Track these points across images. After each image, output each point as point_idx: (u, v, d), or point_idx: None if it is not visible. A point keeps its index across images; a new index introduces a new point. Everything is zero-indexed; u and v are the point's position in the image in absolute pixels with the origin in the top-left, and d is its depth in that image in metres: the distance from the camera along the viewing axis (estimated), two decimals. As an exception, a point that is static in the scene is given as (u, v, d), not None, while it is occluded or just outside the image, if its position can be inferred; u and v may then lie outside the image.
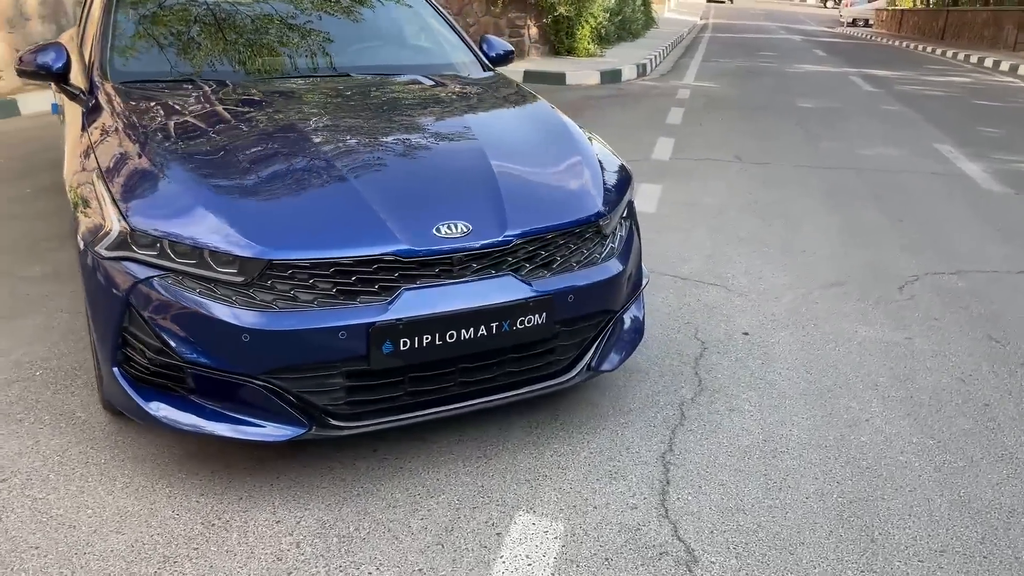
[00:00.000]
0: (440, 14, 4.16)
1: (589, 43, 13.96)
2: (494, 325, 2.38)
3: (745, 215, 5.42)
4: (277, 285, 2.23)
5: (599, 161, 2.94)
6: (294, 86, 3.28)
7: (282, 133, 2.73)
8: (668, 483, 2.55)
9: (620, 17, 16.75)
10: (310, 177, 2.48)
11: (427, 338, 2.30)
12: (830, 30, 30.45)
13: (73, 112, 3.16)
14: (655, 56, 14.69)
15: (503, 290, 2.40)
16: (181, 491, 2.43)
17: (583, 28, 13.75)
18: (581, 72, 11.94)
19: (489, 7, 13.47)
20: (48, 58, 3.18)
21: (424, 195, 2.48)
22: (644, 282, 2.98)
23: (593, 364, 2.70)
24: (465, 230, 2.37)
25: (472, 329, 2.35)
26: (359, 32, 3.81)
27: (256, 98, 3.02)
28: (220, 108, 2.95)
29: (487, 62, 3.92)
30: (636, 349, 2.95)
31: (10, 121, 7.80)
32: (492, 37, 4.10)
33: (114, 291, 2.30)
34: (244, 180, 2.43)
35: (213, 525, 2.30)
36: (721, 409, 2.99)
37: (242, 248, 2.20)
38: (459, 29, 4.13)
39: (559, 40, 13.75)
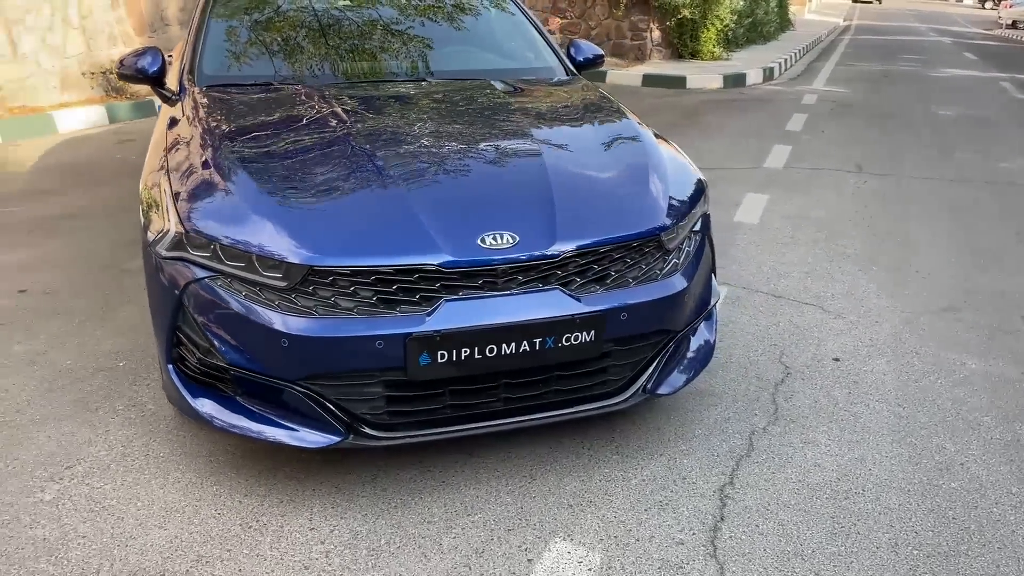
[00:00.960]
0: (526, 16, 4.09)
1: (714, 46, 13.53)
2: (537, 341, 2.28)
3: (856, 230, 5.07)
4: (319, 291, 2.21)
5: (669, 170, 2.78)
6: (368, 91, 3.28)
7: (342, 139, 2.73)
8: (722, 519, 2.38)
9: (751, 19, 16.17)
10: (361, 184, 2.46)
11: (465, 351, 2.23)
12: (986, 32, 28.39)
13: (163, 114, 3.28)
14: (785, 59, 14.09)
15: (549, 305, 2.29)
16: (227, 490, 2.46)
17: (708, 31, 13.34)
18: (703, 76, 11.59)
19: (611, 10, 13.30)
20: (144, 62, 3.31)
21: (472, 204, 2.42)
22: (714, 300, 2.80)
23: (649, 387, 2.55)
24: (511, 241, 2.29)
25: (513, 344, 2.27)
26: (439, 36, 3.78)
27: (325, 102, 3.04)
28: (290, 113, 2.99)
29: (571, 67, 3.81)
30: (706, 373, 2.78)
31: (147, 120, 8.29)
32: (581, 41, 3.98)
33: (170, 290, 2.35)
34: (298, 186, 2.44)
35: (250, 527, 2.31)
36: (795, 441, 2.77)
37: (287, 253, 2.20)
38: (543, 31, 4.04)
39: (682, 43, 13.39)
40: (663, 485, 2.52)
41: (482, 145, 2.79)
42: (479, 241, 2.27)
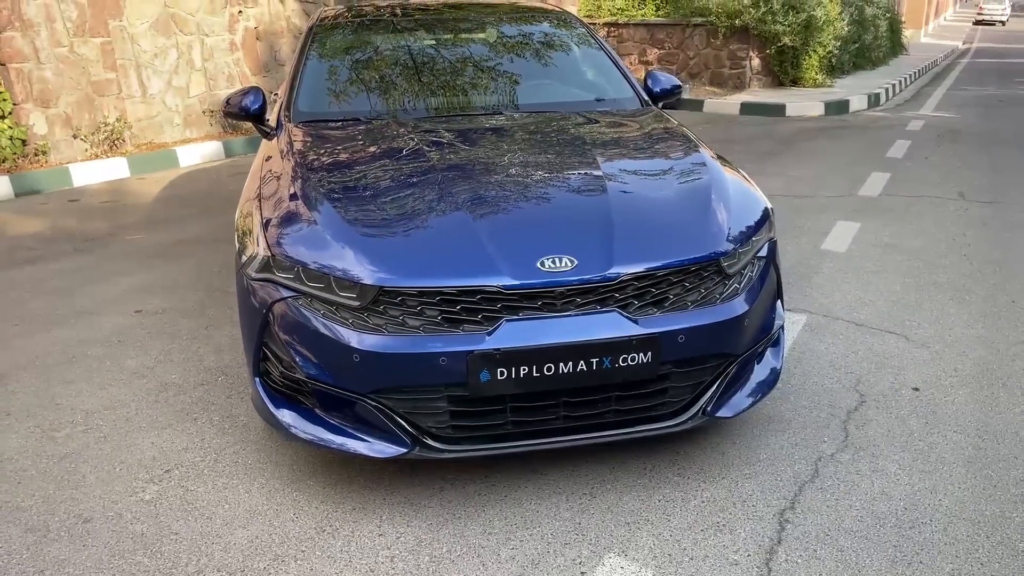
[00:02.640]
0: (604, 49, 4.21)
1: (817, 73, 13.29)
2: (594, 361, 2.37)
3: (950, 258, 4.91)
4: (389, 310, 2.38)
5: (733, 197, 2.83)
6: (451, 125, 3.47)
7: (420, 169, 2.91)
8: (779, 542, 2.39)
9: (857, 44, 15.80)
10: (431, 210, 2.63)
11: (524, 369, 2.34)
12: (1123, 51, 26.67)
13: (262, 148, 3.55)
14: (894, 85, 13.70)
15: (605, 326, 2.38)
16: (305, 496, 2.64)
17: (810, 58, 13.12)
18: (803, 103, 11.40)
19: (710, 40, 13.28)
20: (247, 100, 3.60)
21: (532, 228, 2.54)
22: (777, 324, 2.82)
23: (709, 409, 2.59)
24: (570, 264, 2.39)
25: (571, 363, 2.36)
26: (517, 70, 3.95)
27: (406, 136, 3.24)
28: (374, 147, 3.20)
29: (645, 97, 3.91)
30: (767, 398, 2.79)
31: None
32: (659, 72, 4.07)
33: (258, 309, 2.56)
34: (374, 214, 2.62)
35: (324, 531, 2.48)
36: (863, 469, 2.74)
37: (361, 275, 2.38)
38: (620, 63, 4.15)
39: (783, 71, 13.22)
40: (722, 507, 2.55)
41: (546, 172, 2.92)
42: (539, 264, 2.39)
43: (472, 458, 2.53)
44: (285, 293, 2.49)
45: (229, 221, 5.91)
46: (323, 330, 2.40)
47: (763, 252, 2.77)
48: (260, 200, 2.86)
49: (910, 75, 15.64)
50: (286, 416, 2.56)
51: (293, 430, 2.53)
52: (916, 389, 3.29)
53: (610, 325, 2.39)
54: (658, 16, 14.08)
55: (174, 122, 8.87)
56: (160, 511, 2.59)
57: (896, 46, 19.96)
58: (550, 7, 4.79)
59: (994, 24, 43.64)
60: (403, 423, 2.44)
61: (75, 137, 7.76)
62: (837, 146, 8.81)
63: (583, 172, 2.93)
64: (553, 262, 2.39)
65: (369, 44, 4.08)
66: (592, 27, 4.33)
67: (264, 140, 3.68)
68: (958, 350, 3.65)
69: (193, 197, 6.89)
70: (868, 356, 3.59)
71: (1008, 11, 45.46)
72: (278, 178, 2.99)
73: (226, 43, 9.37)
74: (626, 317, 2.41)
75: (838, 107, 11.53)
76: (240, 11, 9.46)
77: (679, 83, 4.07)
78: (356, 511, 2.57)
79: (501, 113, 3.62)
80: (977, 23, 43.36)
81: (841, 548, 2.36)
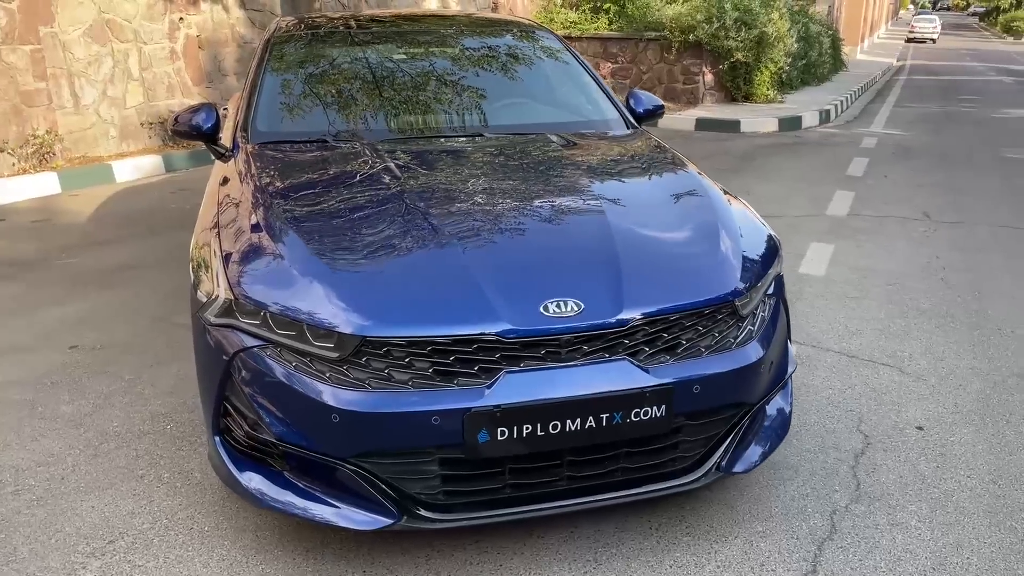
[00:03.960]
0: (584, 67, 3.98)
1: (768, 89, 13.36)
2: (604, 416, 2.12)
3: (929, 283, 4.81)
4: (372, 363, 2.09)
5: (741, 230, 2.62)
6: (422, 147, 3.20)
7: (396, 198, 2.63)
8: (807, 614, 2.17)
9: (804, 61, 15.97)
10: (416, 246, 2.35)
11: (527, 428, 2.08)
12: (1048, 70, 27.70)
13: (216, 170, 3.23)
14: (841, 101, 13.84)
15: (616, 377, 2.14)
16: (273, 570, 2.33)
17: (762, 74, 13.18)
18: (758, 119, 11.40)
19: (663, 54, 13.24)
20: (199, 119, 3.27)
21: (533, 269, 2.28)
22: (790, 370, 2.61)
23: (723, 464, 2.37)
24: (576, 309, 2.14)
25: (579, 420, 2.11)
26: (497, 89, 3.69)
27: (379, 160, 2.96)
28: (346, 170, 2.91)
29: (631, 119, 3.69)
30: (781, 444, 2.58)
31: (201, 169, 8.39)
32: (640, 92, 3.86)
33: (218, 358, 2.25)
34: (352, 251, 2.34)
35: (296, 613, 2.17)
36: (881, 523, 2.55)
37: (338, 323, 2.09)
38: (602, 83, 3.92)
39: (735, 86, 13.25)
40: (739, 573, 2.32)
41: (542, 205, 2.67)
42: (542, 309, 2.13)
43: (464, 527, 2.25)
44: (250, 342, 2.19)
45: (173, 243, 5.52)
46: (296, 385, 2.10)
47: (771, 289, 2.56)
48: (218, 230, 2.54)
49: (854, 91, 15.87)
50: (251, 480, 2.25)
51: (262, 498, 2.22)
52: (920, 428, 3.12)
53: (620, 375, 2.15)
54: (611, 30, 14.00)
55: (109, 135, 8.38)
56: (104, 593, 2.25)
57: (837, 63, 20.30)
58: (527, 22, 4.55)
59: (925, 42, 45.03)
60: (388, 491, 2.15)
61: (1, 151, 7.23)
62: (797, 163, 8.76)
63: (582, 205, 2.68)
64: (558, 306, 2.14)
65: (333, 58, 3.78)
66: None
67: (218, 161, 3.35)
68: (954, 383, 3.50)
69: (132, 216, 6.45)
70: (865, 392, 3.41)
71: (938, 29, 46.95)
72: (237, 205, 2.67)
73: (166, 51, 8.92)
74: (637, 366, 2.17)
75: (791, 123, 11.56)
76: (181, 18, 9.02)
77: (661, 103, 3.87)
78: (332, 587, 2.27)
79: (481, 135, 3.35)
80: (909, 40, 44.68)
81: (874, 619, 2.15)
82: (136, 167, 8.08)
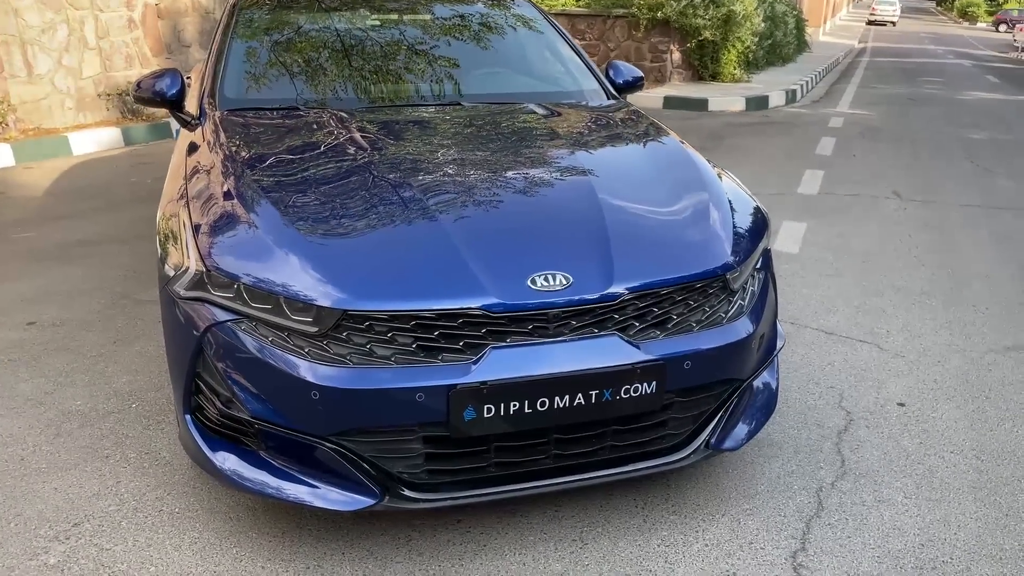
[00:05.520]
0: (564, 38, 3.89)
1: (735, 68, 13.35)
2: (593, 393, 2.05)
3: (903, 260, 4.82)
4: (353, 337, 2.00)
5: (730, 203, 2.56)
6: (400, 116, 3.09)
7: (376, 168, 2.52)
8: (798, 592, 2.14)
9: (770, 41, 15.99)
10: (399, 219, 2.24)
11: (515, 405, 2.01)
12: (1003, 55, 28.11)
13: (182, 139, 3.09)
14: (807, 81, 13.90)
15: (606, 353, 2.07)
16: (248, 553, 2.24)
17: (729, 53, 13.16)
18: (725, 98, 11.39)
19: (631, 32, 13.16)
20: (163, 84, 3.12)
21: (520, 241, 2.20)
22: (780, 344, 2.57)
23: (712, 442, 2.32)
24: (564, 282, 2.06)
25: (568, 397, 2.04)
26: (475, 58, 3.59)
27: (357, 128, 2.84)
28: (320, 138, 2.79)
29: (612, 90, 3.61)
30: (767, 423, 2.54)
31: (163, 143, 8.15)
32: (620, 62, 3.78)
33: (188, 333, 2.14)
34: (330, 221, 2.23)
35: (274, 598, 2.08)
36: (868, 499, 2.53)
37: (318, 296, 1.99)
38: (583, 53, 3.84)
39: (703, 65, 13.21)
40: (728, 551, 2.28)
41: (528, 176, 2.58)
42: (529, 282, 2.05)
43: (448, 507, 2.18)
44: (223, 316, 2.08)
45: (134, 217, 5.34)
46: (273, 361, 2.00)
47: (760, 263, 2.51)
48: (187, 200, 2.42)
49: (819, 72, 15.95)
50: (226, 461, 2.15)
51: (237, 479, 2.12)
52: (902, 404, 3.11)
53: (610, 351, 2.08)
54: (579, 6, 13.87)
55: (65, 105, 8.09)
56: (69, 579, 2.14)
57: (801, 44, 20.36)
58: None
59: (885, 24, 45.54)
60: (370, 469, 2.07)
61: (-49, 120, 6.95)
62: (766, 142, 8.76)
63: (568, 176, 2.60)
64: (546, 280, 2.06)
65: (303, 22, 3.63)
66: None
67: (184, 130, 3.20)
68: (933, 359, 3.50)
69: (91, 190, 6.23)
70: (845, 368, 3.40)
71: (898, 12, 47.51)
72: (207, 173, 2.55)
73: (124, 20, 8.62)
74: (627, 341, 2.10)
75: (758, 103, 11.57)
76: (139, -14, 8.71)
77: (640, 74, 3.81)
78: (311, 570, 2.18)
79: (460, 104, 3.24)
80: (870, 23, 45.14)
81: (865, 596, 2.13)
82: (94, 139, 7.81)
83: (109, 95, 8.48)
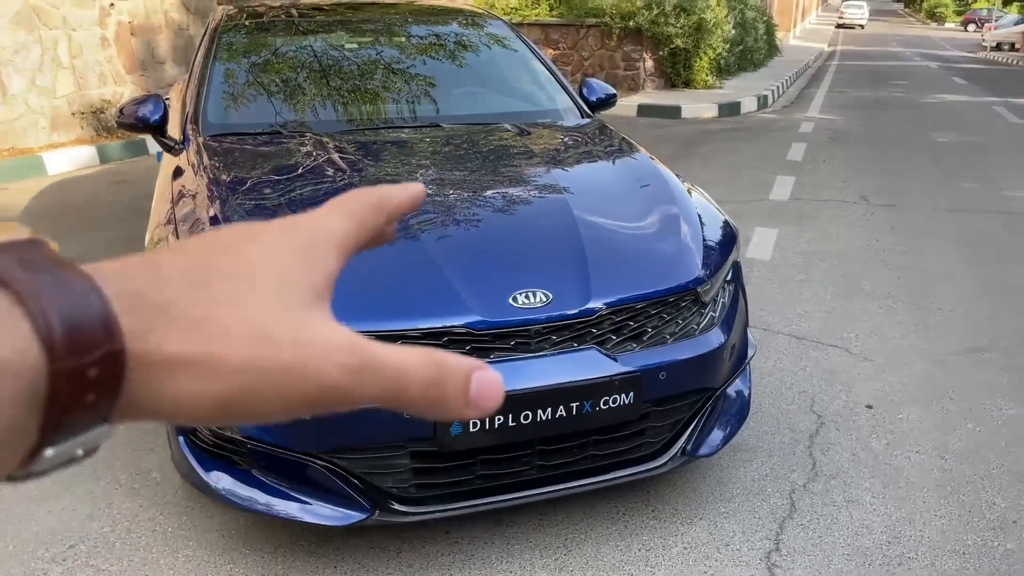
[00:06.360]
0: (539, 57, 3.99)
1: (707, 75, 13.55)
2: (574, 405, 2.15)
3: (871, 265, 4.97)
4: (342, 358, 2.07)
5: (700, 218, 2.67)
6: (380, 138, 3.17)
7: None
8: (773, 591, 2.24)
9: (741, 47, 16.23)
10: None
11: (499, 419, 2.09)
12: (971, 55, 28.72)
13: (166, 163, 3.15)
14: (777, 87, 14.13)
15: (585, 366, 2.16)
16: (242, 569, 2.30)
17: (701, 60, 13.36)
18: (698, 105, 11.57)
19: (604, 41, 13.31)
20: (146, 110, 3.18)
21: (501, 261, 2.29)
22: (750, 353, 2.68)
23: (688, 449, 2.42)
24: (544, 299, 2.16)
25: (550, 409, 2.13)
26: (452, 79, 3.68)
27: (338, 152, 2.92)
28: (302, 163, 2.87)
29: (586, 108, 3.71)
30: (740, 429, 2.64)
31: (138, 160, 8.16)
32: (593, 80, 3.88)
33: (180, 357, 2.20)
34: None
35: (269, 612, 2.15)
36: (838, 500, 2.64)
37: (306, 318, 2.06)
38: (557, 72, 3.94)
39: (675, 72, 13.40)
40: (706, 553, 2.38)
41: (507, 196, 2.67)
42: (511, 300, 2.14)
43: (436, 519, 2.26)
44: (214, 340, 2.14)
45: (111, 236, 5.36)
46: (264, 382, 2.07)
47: (730, 275, 2.62)
48: (175, 225, 2.48)
49: (790, 77, 16.20)
50: (220, 480, 2.21)
51: (228, 496, 2.19)
52: (870, 407, 3.23)
53: (589, 364, 2.17)
54: (552, 16, 14.00)
55: (39, 125, 8.07)
56: (67, 600, 2.20)
57: (772, 49, 20.67)
58: (482, 11, 4.53)
59: (854, 27, 46.21)
60: (360, 485, 2.14)
61: (-75, 142, 6.92)
62: (738, 149, 8.92)
63: (545, 195, 2.70)
64: (526, 297, 2.15)
65: (283, 46, 3.71)
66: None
67: (167, 154, 3.26)
68: (900, 362, 3.63)
69: (68, 210, 6.23)
70: (816, 372, 3.52)
71: (866, 16, 48.25)
72: (193, 198, 2.61)
73: (97, 38, 8.62)
74: (605, 355, 2.20)
75: (731, 109, 11.75)
76: (112, 3, 8.72)
77: (614, 92, 3.91)
78: (304, 585, 2.25)
79: (438, 125, 3.33)
80: (839, 26, 45.79)
81: (836, 593, 2.23)
82: (69, 158, 7.80)
83: (83, 114, 8.47)
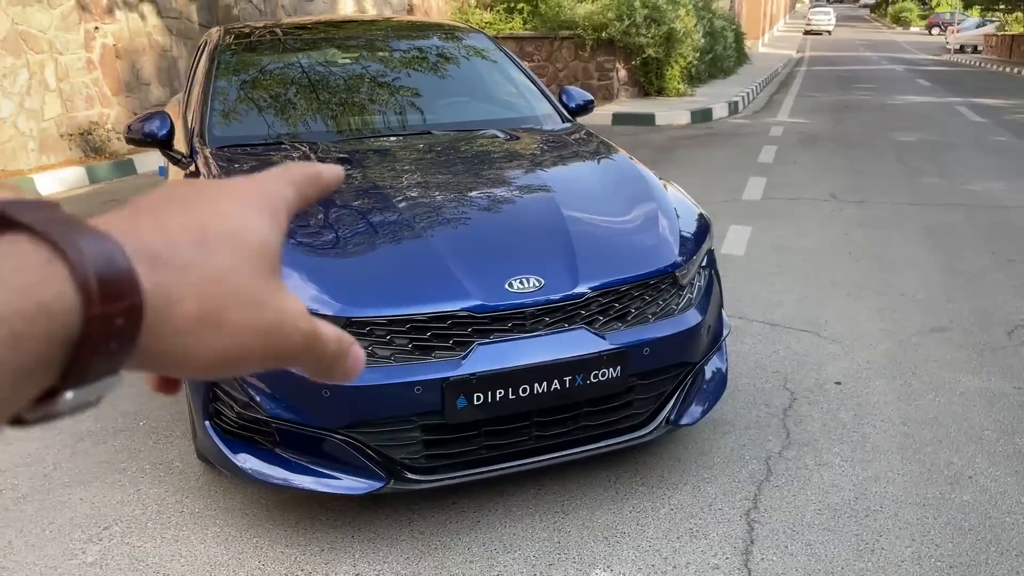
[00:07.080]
0: (519, 67, 4.25)
1: (679, 83, 13.91)
2: (567, 379, 2.38)
3: (839, 257, 5.25)
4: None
5: (676, 210, 2.92)
6: (378, 145, 3.40)
7: (363, 192, 2.84)
8: (752, 542, 2.47)
9: (711, 55, 16.64)
10: (389, 235, 2.56)
11: (500, 392, 2.32)
12: (935, 58, 29.42)
13: (175, 177, 3.35)
14: (747, 93, 14.51)
15: (576, 344, 2.40)
16: (267, 541, 2.51)
17: (672, 68, 13.72)
18: (671, 112, 11.90)
19: (578, 52, 13.63)
20: (153, 126, 3.39)
21: (497, 250, 2.53)
22: (725, 332, 2.93)
23: (672, 418, 2.66)
24: (537, 284, 2.39)
25: (545, 383, 2.36)
26: (440, 90, 3.93)
27: (342, 159, 3.15)
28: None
29: (566, 113, 3.97)
30: (719, 402, 2.89)
31: (127, 180, 8.34)
32: (572, 88, 4.14)
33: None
34: (327, 240, 2.53)
35: (296, 577, 2.36)
36: (810, 464, 2.88)
37: (323, 306, 2.28)
38: (538, 81, 4.20)
39: (648, 81, 13.76)
40: (691, 513, 2.61)
41: (499, 195, 2.92)
42: (507, 286, 2.37)
43: (440, 488, 2.48)
44: (239, 329, 2.36)
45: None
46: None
47: (705, 262, 2.87)
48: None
49: (759, 83, 16.61)
50: (246, 461, 2.42)
51: (255, 475, 2.39)
52: (839, 383, 3.49)
53: (580, 342, 2.41)
54: (526, 29, 14.32)
55: (28, 147, 8.23)
56: (108, 572, 2.39)
57: (741, 56, 21.14)
58: (468, 27, 4.79)
59: (821, 33, 47.08)
60: (376, 457, 2.36)
61: (-82, 167, 7.07)
62: (711, 153, 9.23)
63: (533, 192, 2.94)
64: (521, 283, 2.39)
65: (280, 63, 3.93)
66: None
67: (175, 167, 3.47)
68: (866, 343, 3.90)
69: (65, 227, 6.40)
70: (789, 355, 3.78)
71: (833, 21, 49.17)
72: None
73: (83, 62, 8.80)
74: (594, 333, 2.43)
75: (703, 115, 12.09)
76: (96, 27, 8.91)
77: (591, 98, 4.16)
78: (326, 552, 2.46)
79: (430, 132, 3.57)
80: (807, 33, 46.65)
81: (809, 542, 2.47)
82: (59, 179, 7.97)
83: (71, 135, 8.64)
